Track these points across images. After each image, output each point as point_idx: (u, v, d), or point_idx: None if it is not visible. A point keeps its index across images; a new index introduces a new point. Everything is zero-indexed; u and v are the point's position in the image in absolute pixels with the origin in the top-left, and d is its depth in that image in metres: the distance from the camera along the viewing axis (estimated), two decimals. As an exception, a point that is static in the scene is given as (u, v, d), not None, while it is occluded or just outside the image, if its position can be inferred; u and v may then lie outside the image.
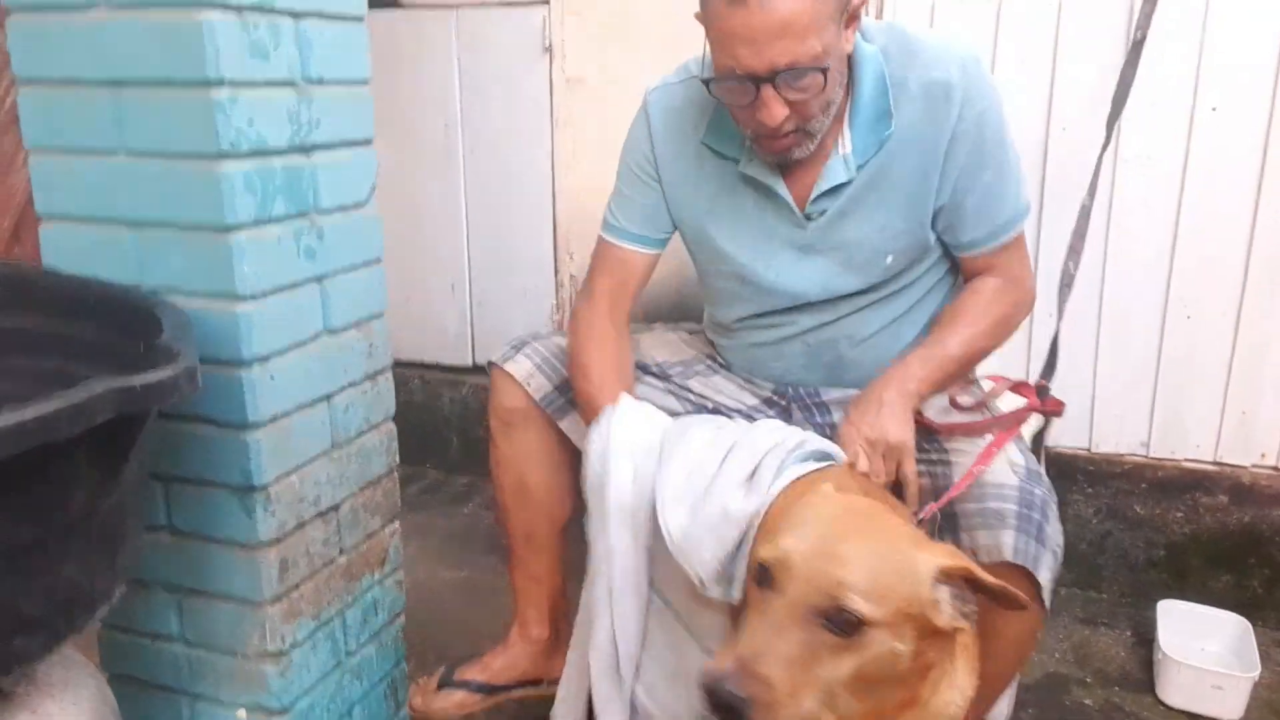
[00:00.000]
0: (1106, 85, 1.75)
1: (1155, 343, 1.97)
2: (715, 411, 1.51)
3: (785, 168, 1.33)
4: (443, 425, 2.66)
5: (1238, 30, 1.76)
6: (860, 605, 0.86)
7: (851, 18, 1.21)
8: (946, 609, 0.92)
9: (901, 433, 1.23)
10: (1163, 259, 1.92)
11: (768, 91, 1.17)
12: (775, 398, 1.52)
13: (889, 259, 1.36)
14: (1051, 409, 1.39)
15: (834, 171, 1.31)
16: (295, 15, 1.08)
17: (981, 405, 1.39)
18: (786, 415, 1.48)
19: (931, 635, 0.92)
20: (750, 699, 0.82)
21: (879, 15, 1.97)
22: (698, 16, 1.22)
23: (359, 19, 1.19)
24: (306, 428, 1.19)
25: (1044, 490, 1.22)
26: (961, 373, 1.39)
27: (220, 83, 1.00)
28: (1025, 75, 1.89)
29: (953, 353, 1.32)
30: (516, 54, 2.31)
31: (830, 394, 1.47)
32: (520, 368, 1.54)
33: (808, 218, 1.36)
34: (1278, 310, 1.87)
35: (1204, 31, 1.78)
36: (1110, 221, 1.92)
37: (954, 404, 1.39)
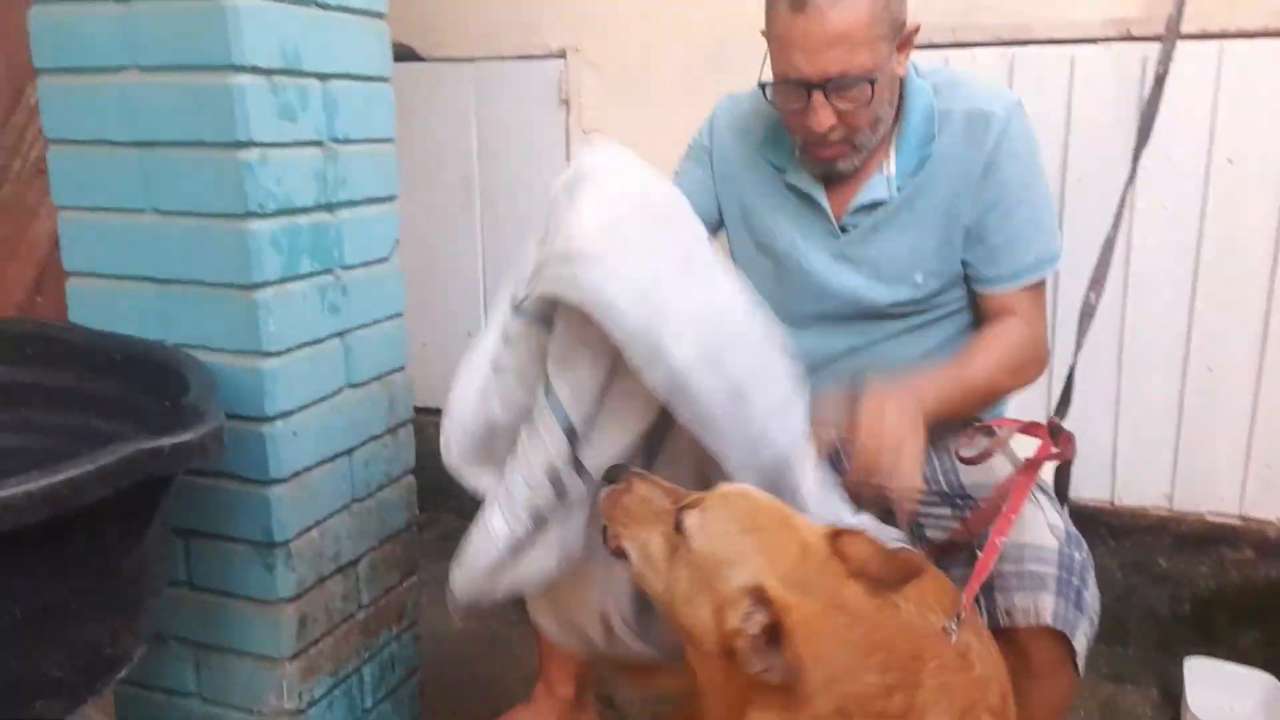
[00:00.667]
0: (1124, 130, 1.77)
1: (1177, 395, 1.95)
2: None
3: (829, 181, 1.38)
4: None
5: (1253, 82, 1.77)
6: (692, 522, 0.87)
7: (904, 42, 1.28)
8: (733, 620, 0.83)
9: (901, 428, 1.13)
10: (1182, 311, 1.91)
11: (818, 98, 1.24)
12: None
13: (919, 276, 1.37)
14: (1063, 452, 1.31)
15: (875, 188, 1.36)
16: (323, 77, 1.10)
17: (986, 456, 1.35)
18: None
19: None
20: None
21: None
22: (762, 32, 1.29)
23: (385, 79, 1.21)
24: (327, 483, 1.19)
25: (1083, 555, 1.20)
26: (979, 405, 1.37)
27: (249, 144, 1.02)
28: (1039, 123, 1.90)
29: (975, 379, 1.30)
30: (533, 106, 2.34)
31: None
32: None
33: (843, 229, 1.39)
34: (1299, 360, 1.85)
35: (1218, 84, 1.79)
36: (1129, 273, 1.92)
37: (957, 456, 1.36)
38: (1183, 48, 1.78)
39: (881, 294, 1.38)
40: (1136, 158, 1.59)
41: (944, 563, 1.28)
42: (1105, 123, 1.87)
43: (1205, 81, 1.80)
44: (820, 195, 1.38)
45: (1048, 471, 1.43)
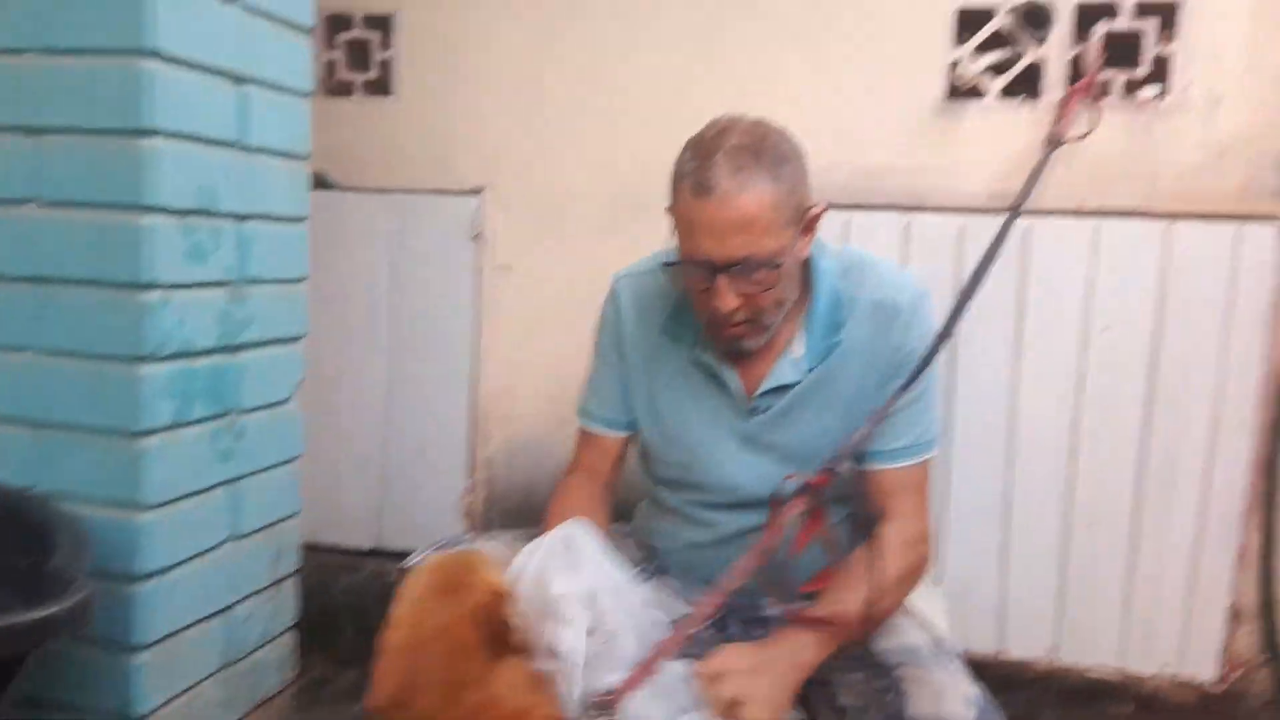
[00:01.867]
0: (1005, 295, 1.87)
1: (1060, 551, 2.01)
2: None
3: (737, 359, 1.38)
4: (335, 613, 2.49)
5: (1126, 258, 1.91)
6: None
7: (809, 225, 1.30)
8: None
9: (765, 696, 1.16)
10: (1063, 471, 1.99)
11: (723, 280, 1.24)
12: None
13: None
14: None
15: (783, 371, 1.37)
16: (239, 218, 1.07)
17: None
18: (723, 628, 1.44)
19: None
20: None
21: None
22: (668, 209, 1.29)
23: (301, 219, 1.18)
24: (198, 647, 1.10)
25: None
26: (873, 631, 1.34)
27: (153, 286, 0.96)
28: (932, 284, 2.01)
29: (856, 614, 1.27)
30: (446, 240, 2.32)
31: (771, 610, 1.44)
32: None
33: (752, 411, 1.39)
34: (1172, 520, 1.94)
35: (1096, 258, 1.92)
36: (1015, 435, 2.00)
37: None
38: (1062, 224, 1.93)
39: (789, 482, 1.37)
40: (954, 320, 1.53)
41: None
42: (988, 288, 1.97)
43: (1082, 256, 1.93)
44: (729, 375, 1.39)
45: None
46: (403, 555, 2.61)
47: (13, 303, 1.00)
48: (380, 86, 2.36)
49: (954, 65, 1.96)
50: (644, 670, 1.15)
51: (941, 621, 1.82)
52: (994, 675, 2.05)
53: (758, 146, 1.23)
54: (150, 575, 1.02)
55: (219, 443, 1.09)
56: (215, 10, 0.98)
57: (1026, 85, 1.94)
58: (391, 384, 2.40)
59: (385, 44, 2.36)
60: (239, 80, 1.06)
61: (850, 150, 2.03)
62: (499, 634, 1.14)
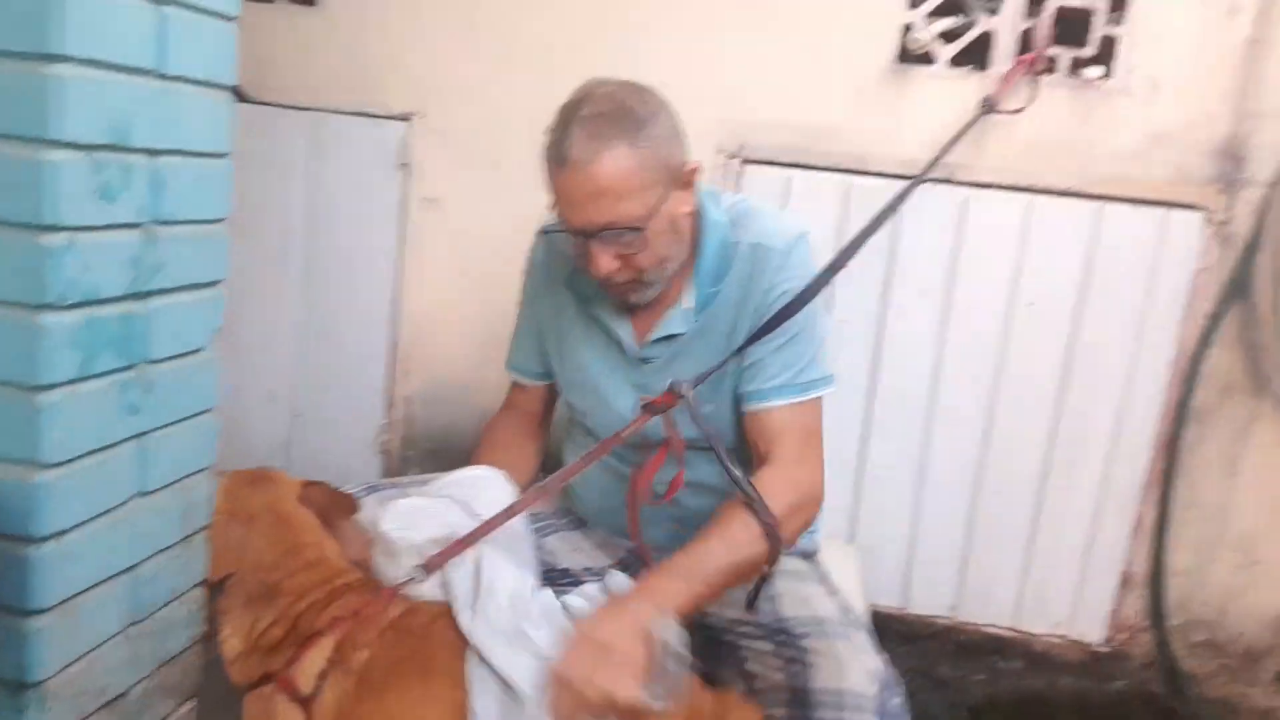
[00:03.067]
0: (940, 264, 1.89)
1: (968, 513, 2.08)
2: (558, 572, 1.49)
3: (630, 312, 1.41)
4: (243, 543, 2.42)
5: (1055, 235, 1.94)
6: None
7: (686, 181, 1.31)
8: None
9: (618, 638, 1.08)
10: (978, 438, 2.05)
11: (594, 245, 1.27)
12: (629, 559, 1.50)
13: (709, 407, 1.38)
14: None
15: (672, 321, 1.40)
16: (152, 153, 0.97)
17: None
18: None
19: None
20: None
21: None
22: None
23: (224, 155, 1.09)
24: (100, 608, 1.03)
25: (900, 700, 1.23)
26: (743, 579, 1.31)
27: (56, 228, 0.87)
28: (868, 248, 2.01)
29: (720, 564, 1.22)
30: (370, 167, 2.22)
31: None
32: (367, 513, 1.43)
33: (644, 360, 1.43)
34: (1076, 490, 2.04)
35: (1025, 233, 1.95)
36: (935, 400, 2.04)
37: None
38: (997, 197, 1.95)
39: (679, 425, 1.35)
40: (825, 280, 1.45)
41: (765, 701, 1.28)
42: (922, 255, 2.00)
43: (1014, 231, 1.96)
44: (622, 327, 1.43)
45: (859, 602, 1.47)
46: (315, 492, 2.54)
47: (-110, 238, 0.90)
48: (304, -5, 2.21)
49: (906, 28, 1.93)
50: (461, 544, 1.21)
51: (853, 578, 1.88)
52: (897, 629, 2.15)
53: (615, 113, 1.22)
54: (49, 537, 0.95)
55: (127, 395, 1.01)
56: (132, -80, 0.88)
57: (976, 55, 1.93)
58: (306, 315, 2.30)
59: (310, -51, 2.21)
60: (158, 0, 0.95)
61: (794, 109, 2.00)
62: (324, 514, 1.32)
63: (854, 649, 1.28)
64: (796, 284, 1.36)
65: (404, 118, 2.19)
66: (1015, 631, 2.12)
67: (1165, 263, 1.92)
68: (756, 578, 1.31)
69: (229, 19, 1.07)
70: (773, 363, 1.36)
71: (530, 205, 1.55)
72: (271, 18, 2.19)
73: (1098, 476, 2.02)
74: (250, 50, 2.16)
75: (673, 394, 1.29)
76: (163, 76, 0.97)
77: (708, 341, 1.39)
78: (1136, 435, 1.99)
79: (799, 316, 1.35)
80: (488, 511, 1.28)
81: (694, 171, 1.32)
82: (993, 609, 2.12)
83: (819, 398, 1.39)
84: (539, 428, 1.63)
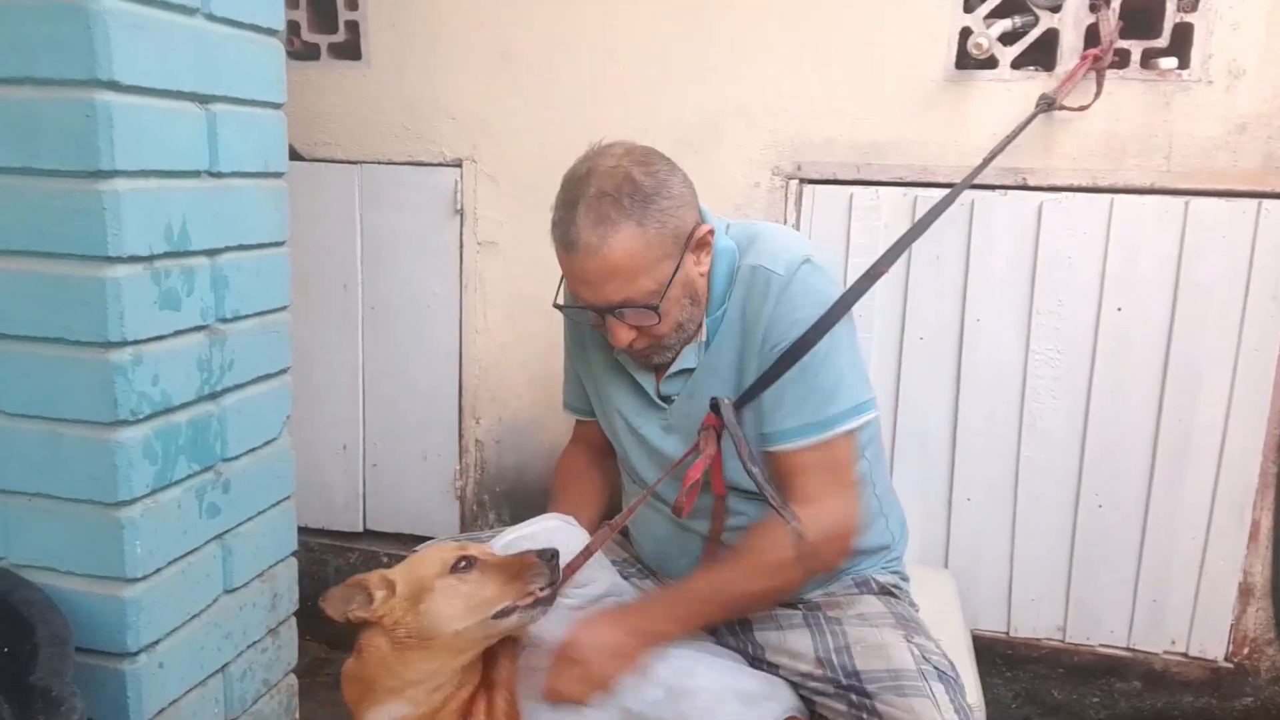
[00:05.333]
0: (1019, 273, 1.81)
1: (1069, 530, 1.99)
2: None
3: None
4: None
5: (1139, 235, 1.84)
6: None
7: (699, 245, 1.28)
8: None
9: (603, 649, 1.21)
10: (1074, 450, 1.95)
11: (611, 320, 1.26)
12: None
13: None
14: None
15: (686, 357, 1.36)
16: (212, 253, 0.96)
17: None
18: (712, 631, 1.42)
19: None
20: None
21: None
22: None
23: (280, 243, 1.07)
24: (195, 714, 1.02)
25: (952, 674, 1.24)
26: (746, 611, 1.37)
27: (123, 344, 0.86)
28: (941, 263, 1.94)
29: (729, 592, 1.30)
30: (425, 214, 2.21)
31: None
32: None
33: (666, 400, 1.40)
34: (1184, 500, 1.92)
35: (1108, 236, 1.86)
36: (1023, 413, 1.95)
37: None
38: (1077, 200, 1.86)
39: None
40: (858, 293, 1.41)
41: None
42: (999, 264, 1.92)
43: (1096, 233, 1.86)
44: (644, 378, 1.41)
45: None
46: (392, 538, 2.57)
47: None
48: (349, 50, 2.21)
49: (964, 33, 1.85)
50: (571, 569, 1.25)
51: (950, 605, 1.81)
52: (1002, 653, 2.06)
53: (619, 190, 1.19)
54: (141, 650, 0.94)
55: (206, 497, 1.01)
56: (174, 26, 0.86)
57: (1040, 56, 1.83)
58: (373, 365, 2.31)
59: (351, 3, 2.21)
60: (204, 101, 0.94)
61: (851, 124, 1.93)
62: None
63: (932, 706, 1.21)
64: (805, 313, 1.28)
65: (455, 164, 2.18)
66: (1131, 650, 2.01)
67: (1261, 255, 1.80)
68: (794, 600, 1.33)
69: (275, 106, 1.05)
70: (789, 400, 1.28)
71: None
72: (319, 75, 2.21)
73: (1206, 484, 1.91)
74: (301, 109, 2.19)
75: (714, 411, 1.28)
76: (216, 175, 0.96)
77: (715, 369, 1.35)
78: (1244, 439, 1.88)
79: (816, 348, 1.27)
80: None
81: (709, 233, 1.28)
82: (1104, 628, 2.01)
83: (849, 430, 1.30)
84: (607, 456, 1.61)
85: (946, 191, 1.87)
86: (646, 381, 1.41)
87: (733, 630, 1.42)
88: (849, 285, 1.35)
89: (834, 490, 1.30)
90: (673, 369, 1.38)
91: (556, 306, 1.37)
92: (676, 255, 1.24)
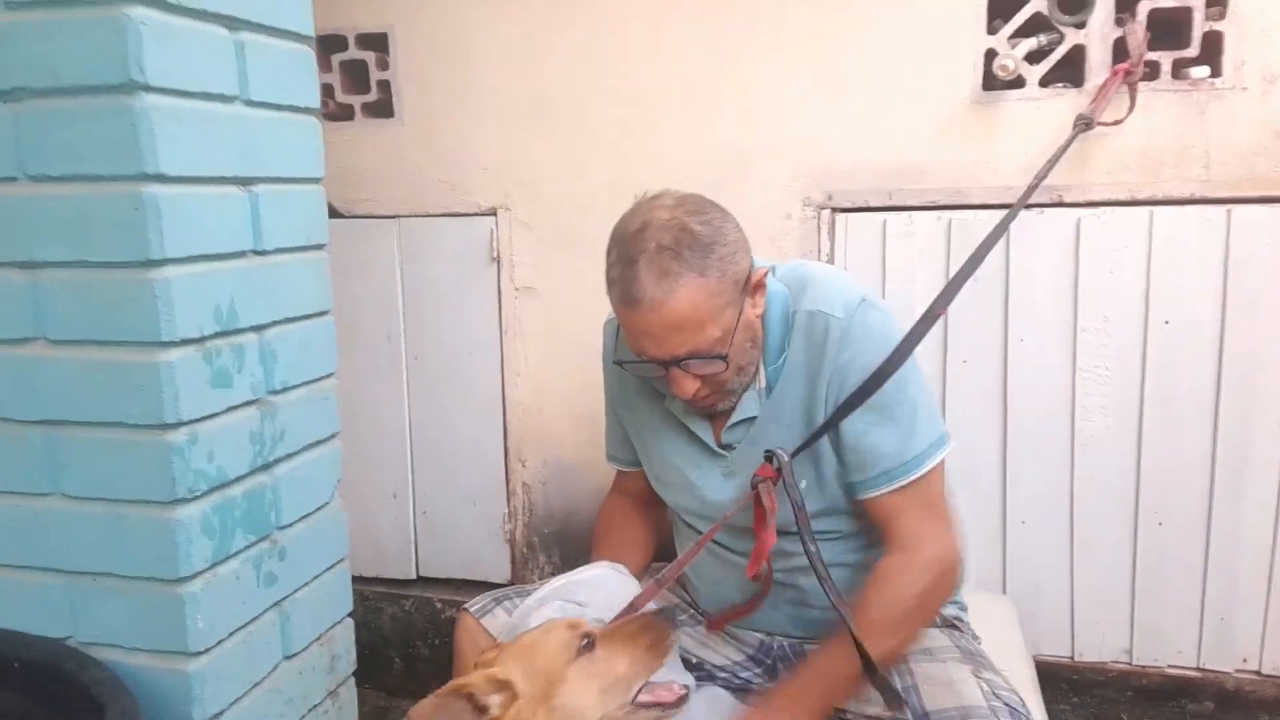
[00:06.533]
0: (1059, 291, 1.78)
1: (1129, 550, 1.94)
2: (691, 667, 1.45)
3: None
4: (383, 643, 2.46)
5: (1183, 247, 1.81)
6: None
7: (756, 287, 1.27)
8: None
9: None
10: (1129, 468, 1.91)
11: (675, 371, 1.24)
12: (760, 655, 1.46)
13: (803, 483, 1.32)
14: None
15: (747, 405, 1.35)
16: (259, 329, 0.99)
17: None
18: (772, 673, 1.42)
19: None
20: None
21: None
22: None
23: (325, 312, 1.10)
24: (263, 779, 1.04)
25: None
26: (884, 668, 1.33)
27: (179, 424, 0.89)
28: (977, 283, 1.91)
29: (847, 674, 1.26)
30: (463, 263, 2.25)
31: (813, 647, 1.39)
32: (496, 622, 1.43)
33: (726, 448, 1.39)
34: (1245, 514, 1.87)
35: (1150, 248, 1.83)
36: (1074, 432, 1.92)
37: None
38: (1116, 214, 1.83)
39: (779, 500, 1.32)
40: (936, 313, 1.42)
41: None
42: (1039, 283, 1.90)
43: (1138, 247, 1.83)
44: (699, 426, 1.39)
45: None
46: (445, 583, 2.58)
47: (25, 448, 0.93)
48: (382, 109, 2.27)
49: (989, 55, 1.84)
50: (628, 609, 1.23)
51: (1011, 632, 1.77)
52: (1068, 679, 2.01)
53: (679, 242, 1.18)
54: (206, 721, 0.96)
55: (263, 566, 1.03)
56: (214, 115, 0.90)
57: (1068, 73, 1.82)
58: (419, 413, 2.34)
59: (383, 64, 2.26)
60: (247, 183, 0.97)
61: (880, 151, 1.93)
62: None
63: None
64: (871, 356, 1.28)
65: (490, 213, 2.21)
66: (1201, 670, 1.96)
67: (1312, 260, 1.76)
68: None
69: (315, 181, 1.09)
70: (872, 448, 1.29)
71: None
72: (354, 135, 2.26)
73: (1267, 495, 1.86)
74: (338, 168, 2.24)
75: (770, 463, 1.26)
76: (261, 253, 0.99)
77: (780, 417, 1.34)
78: (1306, 448, 1.83)
79: (887, 388, 1.27)
80: (609, 614, 1.27)
81: (764, 275, 1.28)
82: (1172, 648, 1.96)
83: (934, 466, 1.31)
84: (649, 506, 1.61)
85: (981, 212, 1.87)
86: (703, 431, 1.40)
87: (791, 666, 1.40)
88: (909, 329, 1.32)
89: (933, 526, 1.32)
90: (734, 418, 1.36)
91: (617, 363, 1.35)
92: (739, 301, 1.24)
